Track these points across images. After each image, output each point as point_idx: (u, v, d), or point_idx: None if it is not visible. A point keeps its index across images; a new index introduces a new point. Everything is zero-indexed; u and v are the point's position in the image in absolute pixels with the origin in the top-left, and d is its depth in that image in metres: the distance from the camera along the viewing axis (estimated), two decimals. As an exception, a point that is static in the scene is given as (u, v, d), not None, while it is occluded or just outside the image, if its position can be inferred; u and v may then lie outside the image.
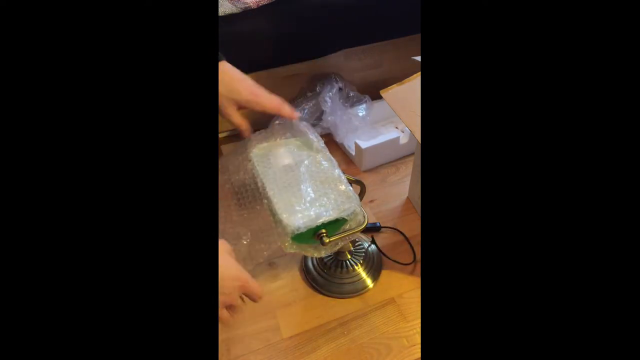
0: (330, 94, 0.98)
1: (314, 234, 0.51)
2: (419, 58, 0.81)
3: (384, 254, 0.73)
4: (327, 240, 0.51)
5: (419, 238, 0.76)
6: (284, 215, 0.53)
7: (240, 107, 0.61)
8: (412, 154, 0.96)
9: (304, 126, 0.65)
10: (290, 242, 0.53)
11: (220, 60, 0.60)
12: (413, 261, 0.72)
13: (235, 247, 0.76)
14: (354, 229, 0.53)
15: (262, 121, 1.03)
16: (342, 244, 0.55)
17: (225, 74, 0.60)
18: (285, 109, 0.62)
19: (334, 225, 0.53)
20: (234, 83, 0.60)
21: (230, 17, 0.89)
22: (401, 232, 0.78)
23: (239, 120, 0.62)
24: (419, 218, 0.81)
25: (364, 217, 0.54)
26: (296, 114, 0.63)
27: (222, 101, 0.60)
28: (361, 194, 0.66)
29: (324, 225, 0.51)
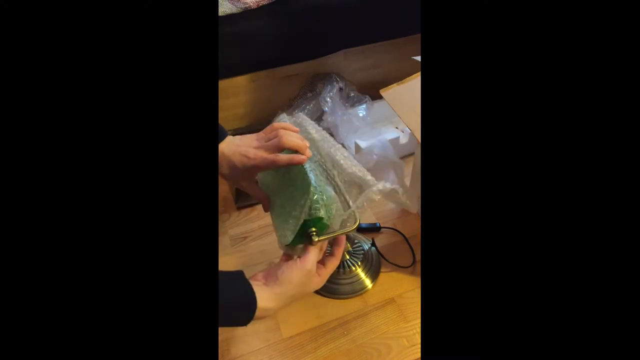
0: (331, 94, 0.98)
1: (302, 234, 0.51)
2: (419, 58, 0.82)
3: (383, 257, 0.73)
4: (316, 240, 0.51)
5: (419, 238, 0.76)
6: (276, 223, 0.55)
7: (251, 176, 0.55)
8: (412, 154, 0.96)
9: (303, 120, 0.63)
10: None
11: (222, 138, 0.53)
12: (412, 264, 0.72)
13: (237, 247, 0.77)
14: (344, 229, 0.54)
15: (263, 120, 1.03)
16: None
17: (222, 153, 0.53)
18: (282, 159, 0.52)
19: (322, 224, 0.53)
20: (229, 158, 0.53)
21: (230, 17, 0.89)
22: (401, 233, 0.77)
23: (258, 194, 0.56)
24: (419, 218, 0.81)
25: (356, 217, 0.54)
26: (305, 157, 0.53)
27: (230, 182, 0.53)
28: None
29: (312, 224, 0.51)
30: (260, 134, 0.55)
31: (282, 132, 0.52)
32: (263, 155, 0.52)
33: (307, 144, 0.53)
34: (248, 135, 0.55)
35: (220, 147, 0.53)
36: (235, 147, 0.53)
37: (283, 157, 0.51)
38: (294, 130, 0.55)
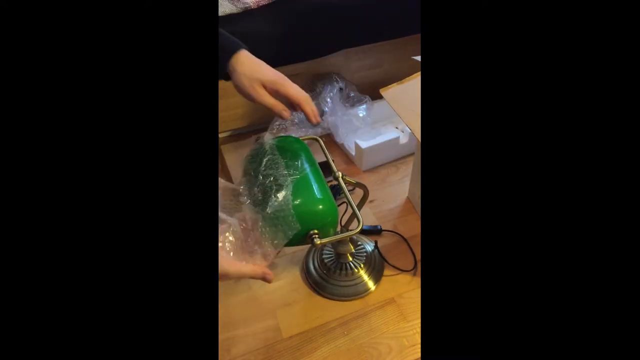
0: (331, 94, 0.98)
1: (304, 236, 0.51)
2: (419, 58, 0.82)
3: (387, 262, 0.73)
4: (319, 242, 0.50)
5: (419, 238, 0.76)
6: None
7: (266, 87, 0.57)
8: (412, 154, 0.96)
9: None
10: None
11: (241, 48, 0.57)
12: (414, 267, 0.72)
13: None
14: (347, 232, 0.53)
15: (263, 120, 1.03)
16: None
17: (247, 58, 0.57)
18: (310, 105, 0.57)
19: (326, 228, 0.52)
20: (256, 66, 0.56)
21: (230, 17, 0.89)
22: (401, 236, 0.77)
23: (271, 101, 0.57)
24: (419, 218, 0.81)
25: (359, 220, 0.54)
26: (316, 118, 0.58)
27: (247, 83, 0.56)
28: (363, 198, 0.65)
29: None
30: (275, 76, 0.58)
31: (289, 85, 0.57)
32: (295, 85, 0.57)
33: (305, 100, 0.57)
34: (263, 67, 0.58)
35: (245, 54, 0.56)
36: (263, 62, 0.58)
37: (279, 105, 0.57)
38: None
